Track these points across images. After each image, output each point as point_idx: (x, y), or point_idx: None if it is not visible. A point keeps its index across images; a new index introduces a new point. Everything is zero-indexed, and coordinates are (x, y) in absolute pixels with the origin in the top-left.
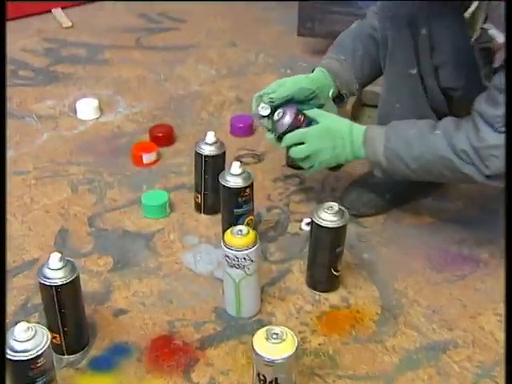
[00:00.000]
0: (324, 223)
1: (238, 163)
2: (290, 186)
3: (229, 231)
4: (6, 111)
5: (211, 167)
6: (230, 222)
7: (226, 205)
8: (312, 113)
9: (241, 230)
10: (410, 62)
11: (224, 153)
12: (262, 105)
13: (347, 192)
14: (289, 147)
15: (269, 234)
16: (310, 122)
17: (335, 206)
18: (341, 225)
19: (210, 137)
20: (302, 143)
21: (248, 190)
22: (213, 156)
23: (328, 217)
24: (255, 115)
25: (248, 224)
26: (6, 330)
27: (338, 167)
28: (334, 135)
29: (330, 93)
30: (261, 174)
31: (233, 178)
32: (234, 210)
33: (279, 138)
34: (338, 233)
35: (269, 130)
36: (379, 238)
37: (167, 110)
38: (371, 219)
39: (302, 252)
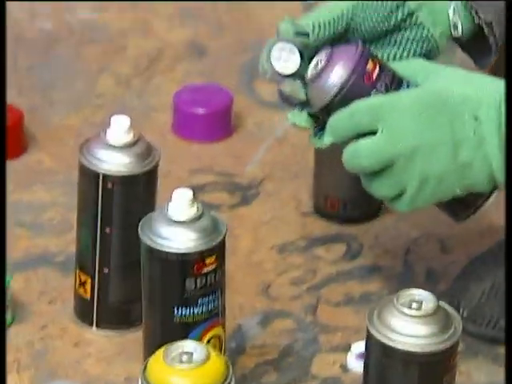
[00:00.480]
0: (402, 342)
1: (189, 193)
2: (320, 263)
3: (160, 355)
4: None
5: (121, 206)
6: (166, 337)
7: (158, 298)
8: (405, 66)
9: (190, 354)
10: None
11: (155, 171)
12: (282, 44)
13: (465, 283)
14: (342, 144)
15: (265, 378)
16: (398, 82)
17: (425, 297)
18: (445, 346)
19: (120, 127)
20: (374, 132)
21: (211, 260)
22: (126, 177)
23: (411, 327)
24: (267, 71)
25: (210, 343)
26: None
27: (472, 205)
28: (457, 114)
29: (450, 17)
30: (249, 232)
31: (176, 229)
32: (177, 311)
33: (320, 123)
34: (434, 365)
35: (296, 105)
36: None
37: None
38: None
39: None
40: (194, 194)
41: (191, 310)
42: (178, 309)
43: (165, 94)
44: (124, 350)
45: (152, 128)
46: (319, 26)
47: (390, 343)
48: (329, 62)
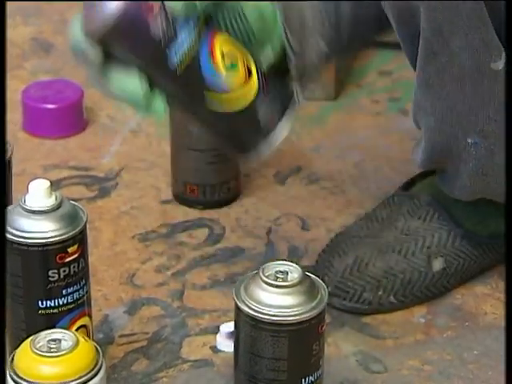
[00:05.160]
0: (270, 313)
1: (46, 183)
2: (183, 248)
3: (27, 345)
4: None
5: None
6: (32, 331)
7: (22, 292)
8: None
9: (59, 341)
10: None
11: (8, 165)
12: None
13: (329, 258)
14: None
15: (135, 366)
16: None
17: (290, 268)
18: (313, 314)
19: None
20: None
21: (74, 249)
22: None
23: (278, 298)
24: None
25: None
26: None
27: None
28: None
29: None
30: (109, 223)
31: (35, 220)
32: (42, 303)
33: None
34: (303, 334)
35: None
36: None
37: None
38: (390, 318)
39: None
40: (50, 185)
41: (56, 301)
42: (42, 301)
43: (13, 92)
44: None
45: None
46: None
47: (259, 315)
48: None
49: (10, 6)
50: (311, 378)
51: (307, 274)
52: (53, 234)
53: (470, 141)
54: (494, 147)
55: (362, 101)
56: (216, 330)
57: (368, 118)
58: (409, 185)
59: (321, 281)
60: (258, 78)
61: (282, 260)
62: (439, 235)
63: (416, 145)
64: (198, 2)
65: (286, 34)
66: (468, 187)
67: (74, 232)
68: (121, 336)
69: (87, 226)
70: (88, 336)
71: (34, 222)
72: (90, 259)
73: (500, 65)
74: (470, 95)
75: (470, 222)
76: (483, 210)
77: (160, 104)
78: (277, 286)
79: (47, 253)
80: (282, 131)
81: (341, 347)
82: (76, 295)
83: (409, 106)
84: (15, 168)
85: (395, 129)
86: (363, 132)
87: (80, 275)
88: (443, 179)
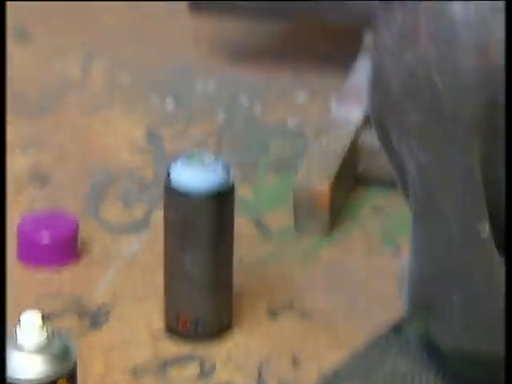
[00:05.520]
0: None
1: (37, 318)
2: (175, 383)
3: None
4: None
5: None
6: None
7: None
8: None
9: None
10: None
11: None
12: None
13: None
14: None
15: None
16: None
17: None
18: None
19: None
20: None
21: None
22: None
23: None
24: None
25: None
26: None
27: None
28: None
29: None
30: (100, 357)
31: (25, 356)
32: None
33: None
34: None
35: None
36: None
37: None
38: None
39: None
40: (42, 318)
41: None
42: None
43: (8, 223)
44: None
45: None
46: None
47: None
48: None
49: (9, 135)
50: None
51: None
52: (42, 371)
53: (455, 298)
54: (480, 303)
55: (355, 236)
56: None
57: (361, 254)
58: (399, 324)
59: None
60: None
61: None
62: (427, 376)
63: (402, 293)
64: None
65: None
66: (456, 336)
67: (63, 369)
68: None
69: (77, 360)
70: None
71: (24, 359)
72: None
73: (487, 230)
74: (457, 259)
75: (459, 362)
76: None
77: None
78: None
79: None
80: None
81: None
82: None
83: (402, 242)
84: (7, 299)
85: (388, 265)
86: (356, 268)
87: None
88: (432, 326)
